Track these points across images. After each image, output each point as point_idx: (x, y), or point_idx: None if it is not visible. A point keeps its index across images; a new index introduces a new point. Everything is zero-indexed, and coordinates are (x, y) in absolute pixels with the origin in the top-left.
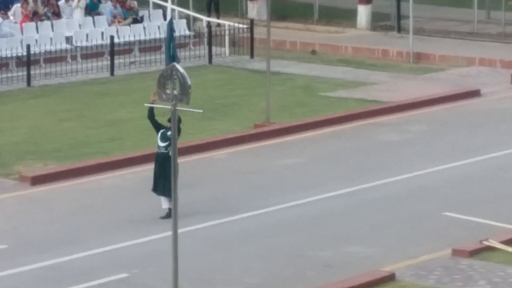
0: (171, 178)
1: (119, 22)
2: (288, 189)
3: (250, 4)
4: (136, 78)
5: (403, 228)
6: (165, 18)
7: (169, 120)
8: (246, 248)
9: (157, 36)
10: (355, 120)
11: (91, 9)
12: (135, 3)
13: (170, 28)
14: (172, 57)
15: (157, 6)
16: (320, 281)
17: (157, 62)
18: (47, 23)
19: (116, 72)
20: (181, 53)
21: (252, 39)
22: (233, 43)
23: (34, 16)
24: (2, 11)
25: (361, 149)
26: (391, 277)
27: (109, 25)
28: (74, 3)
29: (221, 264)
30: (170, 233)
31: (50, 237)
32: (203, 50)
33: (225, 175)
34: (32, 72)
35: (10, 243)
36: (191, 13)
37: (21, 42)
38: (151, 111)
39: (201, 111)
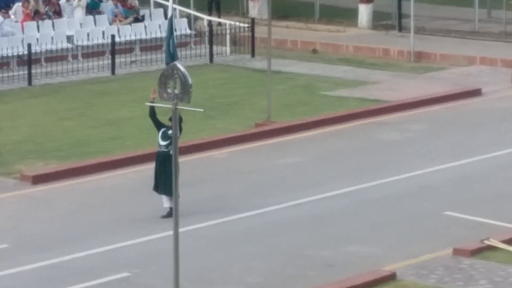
0: (172, 177)
1: (120, 21)
2: (288, 188)
3: (251, 3)
4: (137, 77)
5: (404, 227)
6: (166, 17)
7: (171, 119)
8: (247, 247)
9: (158, 35)
10: (356, 119)
11: (92, 8)
12: (136, 2)
13: (171, 25)
14: (172, 55)
15: (158, 5)
16: (321, 280)
17: (158, 61)
18: (48, 22)
19: (117, 71)
20: (182, 52)
21: (253, 38)
22: (234, 42)
23: (35, 15)
24: (3, 10)
25: (362, 148)
26: (392, 277)
27: (110, 24)
28: (75, 2)
29: (222, 263)
30: (171, 232)
31: (51, 236)
32: (204, 49)
33: (225, 174)
34: (33, 71)
35: (11, 242)
36: (192, 12)
37: (22, 41)
38: (152, 109)
39: (202, 110)
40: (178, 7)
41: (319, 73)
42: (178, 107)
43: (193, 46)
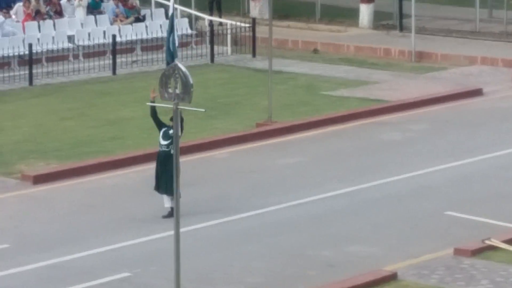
0: (173, 177)
1: (121, 21)
2: (289, 188)
3: (252, 3)
4: (138, 77)
5: (405, 227)
6: (167, 17)
7: (172, 119)
8: (247, 247)
9: (159, 35)
10: (357, 119)
11: (93, 8)
12: (137, 2)
13: (172, 23)
14: (171, 53)
15: (159, 4)
16: (321, 280)
17: (159, 61)
18: (49, 22)
19: (118, 71)
20: (183, 52)
21: (254, 38)
22: (235, 42)
23: (36, 15)
24: (4, 10)
25: (363, 148)
26: (393, 277)
27: (111, 24)
28: (76, 2)
29: (222, 263)
30: (172, 232)
31: (51, 236)
32: (205, 49)
33: (226, 174)
34: (34, 71)
35: (11, 242)
36: (193, 12)
37: (23, 41)
38: (153, 109)
39: (203, 110)
40: (179, 7)
41: (320, 73)
42: (179, 107)
43: (194, 46)
